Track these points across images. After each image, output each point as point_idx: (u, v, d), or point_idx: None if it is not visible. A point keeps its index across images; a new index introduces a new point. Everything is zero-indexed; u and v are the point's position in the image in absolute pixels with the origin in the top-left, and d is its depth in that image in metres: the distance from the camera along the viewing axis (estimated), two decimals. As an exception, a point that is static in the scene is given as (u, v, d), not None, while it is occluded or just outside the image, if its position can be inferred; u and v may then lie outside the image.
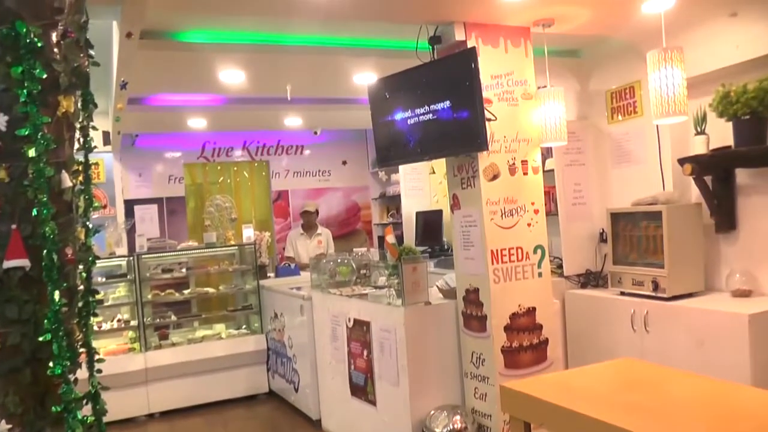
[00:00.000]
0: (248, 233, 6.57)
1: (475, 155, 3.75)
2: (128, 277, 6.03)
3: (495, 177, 3.79)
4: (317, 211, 7.55)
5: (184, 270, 6.38)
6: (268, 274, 6.71)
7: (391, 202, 8.82)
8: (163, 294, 6.24)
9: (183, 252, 6.39)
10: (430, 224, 7.10)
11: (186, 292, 6.38)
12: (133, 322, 6.01)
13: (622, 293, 4.26)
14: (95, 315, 2.37)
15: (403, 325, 3.85)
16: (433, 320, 3.96)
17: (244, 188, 8.91)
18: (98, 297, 2.43)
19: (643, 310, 4.00)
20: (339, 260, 5.12)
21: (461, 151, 3.79)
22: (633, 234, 4.23)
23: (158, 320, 6.20)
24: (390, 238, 4.15)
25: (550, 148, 4.79)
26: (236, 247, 6.63)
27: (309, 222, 7.43)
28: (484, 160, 3.76)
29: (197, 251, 6.46)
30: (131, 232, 7.00)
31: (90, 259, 2.33)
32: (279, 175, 8.99)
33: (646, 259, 4.12)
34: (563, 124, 3.94)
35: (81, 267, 2.29)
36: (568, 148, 4.71)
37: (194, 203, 8.53)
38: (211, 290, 6.48)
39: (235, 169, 8.84)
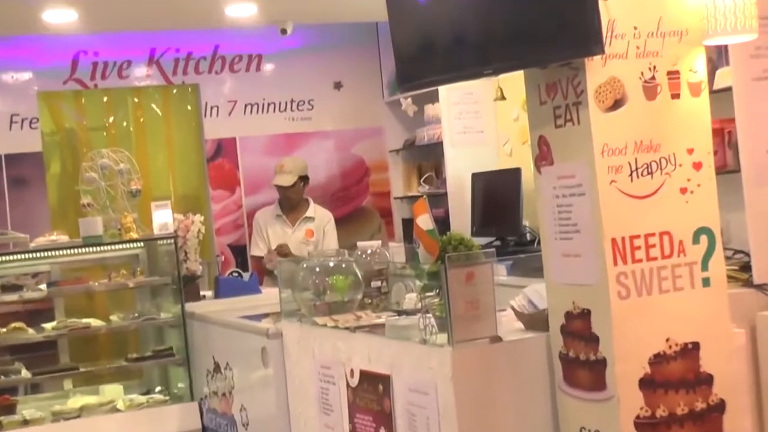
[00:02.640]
0: (163, 217, 6.60)
1: (580, 64, 3.76)
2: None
3: (618, 104, 3.80)
4: (306, 178, 7.66)
5: (43, 286, 6.44)
6: (202, 293, 6.79)
7: (426, 157, 8.85)
8: (4, 330, 6.31)
9: (41, 254, 6.46)
10: (497, 196, 7.12)
11: (48, 326, 6.44)
12: (-51, 382, 6.11)
13: None
14: None
15: (450, 380, 3.88)
16: (505, 370, 3.99)
17: (154, 136, 8.96)
18: None
19: None
20: (331, 264, 5.13)
21: (553, 57, 3.80)
22: None
23: (-4, 378, 6.28)
24: (424, 222, 4.18)
25: (724, 47, 4.77)
26: (141, 244, 6.70)
27: (291, 198, 7.53)
28: (596, 72, 3.77)
29: (68, 252, 6.49)
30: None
31: None
32: (217, 110, 9.05)
33: None
34: (750, 3, 3.92)
35: None
36: (759, 48, 4.68)
37: (60, 165, 8.60)
38: (95, 323, 6.55)
39: (137, 100, 8.90)
